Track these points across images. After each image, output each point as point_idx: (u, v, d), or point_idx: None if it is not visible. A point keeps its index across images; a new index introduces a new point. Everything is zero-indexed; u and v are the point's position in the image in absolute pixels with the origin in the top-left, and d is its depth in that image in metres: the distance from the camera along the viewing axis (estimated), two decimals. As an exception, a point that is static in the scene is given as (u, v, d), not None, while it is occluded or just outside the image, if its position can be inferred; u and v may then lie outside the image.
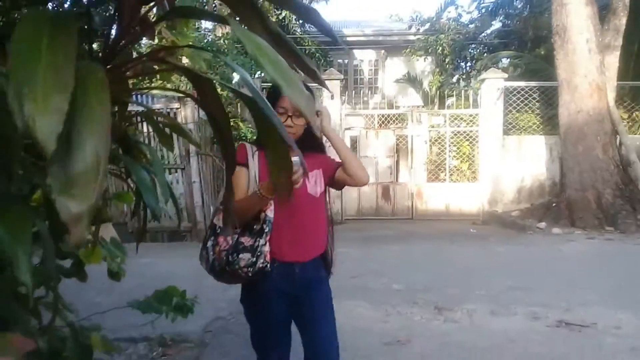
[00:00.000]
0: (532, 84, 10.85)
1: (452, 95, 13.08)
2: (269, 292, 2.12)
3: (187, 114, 8.32)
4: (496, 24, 16.83)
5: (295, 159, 1.57)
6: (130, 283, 2.39)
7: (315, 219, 2.18)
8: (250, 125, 10.06)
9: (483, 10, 16.22)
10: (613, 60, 8.98)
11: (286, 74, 0.95)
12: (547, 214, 9.09)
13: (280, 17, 14.32)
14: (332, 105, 11.03)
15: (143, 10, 1.00)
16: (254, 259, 1.99)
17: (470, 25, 16.42)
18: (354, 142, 11.62)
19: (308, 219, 2.14)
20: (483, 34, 16.93)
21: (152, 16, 1.12)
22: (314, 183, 2.16)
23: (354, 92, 16.72)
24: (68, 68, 0.67)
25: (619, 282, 5.28)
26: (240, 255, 1.99)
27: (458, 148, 12.12)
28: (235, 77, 8.72)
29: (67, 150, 0.64)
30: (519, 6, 15.81)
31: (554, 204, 9.19)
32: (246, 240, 2.02)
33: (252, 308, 2.22)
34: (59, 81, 0.65)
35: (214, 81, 1.05)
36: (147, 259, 6.03)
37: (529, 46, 14.74)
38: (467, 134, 11.68)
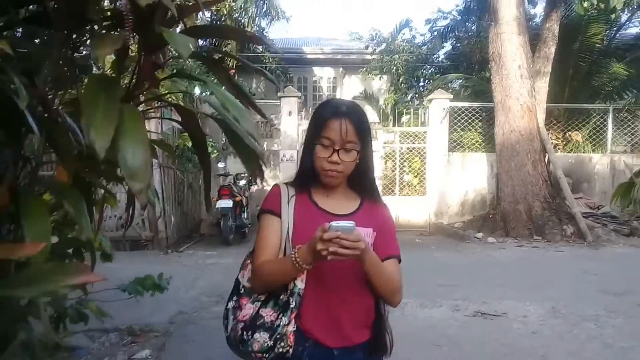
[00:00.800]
0: (475, 104, 11.77)
1: (407, 113, 13.96)
2: None
3: (151, 128, 8.80)
4: (447, 47, 17.91)
5: (346, 224, 1.40)
6: (100, 284, 2.84)
7: (361, 292, 1.67)
8: (210, 139, 10.62)
9: (435, 33, 17.25)
10: (543, 85, 9.95)
11: (244, 115, 1.59)
12: (485, 224, 9.94)
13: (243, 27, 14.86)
14: (290, 121, 11.67)
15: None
16: (272, 342, 1.55)
17: (423, 47, 17.41)
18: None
19: (353, 292, 1.65)
20: (435, 56, 17.97)
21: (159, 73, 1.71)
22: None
23: (311, 108, 17.42)
24: (114, 110, 1.27)
25: (534, 281, 6.06)
26: (256, 335, 1.57)
27: (410, 164, 12.94)
28: (197, 91, 9.16)
29: (115, 156, 1.24)
30: (468, 30, 16.89)
31: (490, 216, 10.06)
32: (267, 314, 1.59)
33: None
34: (108, 118, 1.24)
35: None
36: (114, 264, 6.47)
37: (476, 68, 15.77)
38: (418, 150, 12.50)
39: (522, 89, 9.32)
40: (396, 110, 14.84)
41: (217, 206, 8.84)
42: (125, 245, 8.88)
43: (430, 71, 17.32)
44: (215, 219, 10.11)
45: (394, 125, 14.24)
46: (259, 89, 18.93)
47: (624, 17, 13.07)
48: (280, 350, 1.56)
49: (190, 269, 6.85)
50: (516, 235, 9.09)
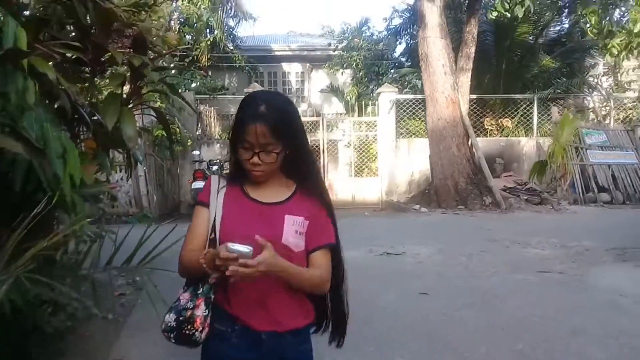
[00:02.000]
0: (418, 96, 13.41)
1: (372, 104, 15.54)
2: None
3: (138, 121, 10.30)
4: (403, 44, 19.56)
5: (243, 249, 1.42)
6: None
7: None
8: (186, 131, 12.20)
9: (391, 31, 18.87)
10: (465, 79, 11.60)
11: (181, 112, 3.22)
12: (423, 199, 11.62)
13: (213, 39, 16.30)
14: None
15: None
16: (175, 323, 1.62)
17: (379, 44, 19.03)
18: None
19: (279, 282, 1.61)
20: (394, 52, 19.63)
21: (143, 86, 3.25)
22: (295, 232, 1.65)
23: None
24: (117, 109, 2.83)
25: (436, 234, 7.75)
26: (166, 316, 1.64)
27: (367, 149, 14.58)
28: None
29: (120, 133, 2.80)
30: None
31: (427, 191, 11.75)
32: (184, 298, 1.66)
33: None
34: (115, 112, 2.80)
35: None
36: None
37: (424, 63, 17.42)
38: (374, 137, 14.14)
39: (445, 84, 10.98)
40: (362, 102, 16.42)
41: (192, 187, 10.39)
42: (116, 219, 10.39)
43: (386, 66, 18.92)
44: (192, 200, 11.65)
45: (359, 115, 15.88)
46: (231, 84, 20.36)
47: (548, 18, 14.80)
48: (187, 332, 1.60)
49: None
50: (446, 206, 10.75)
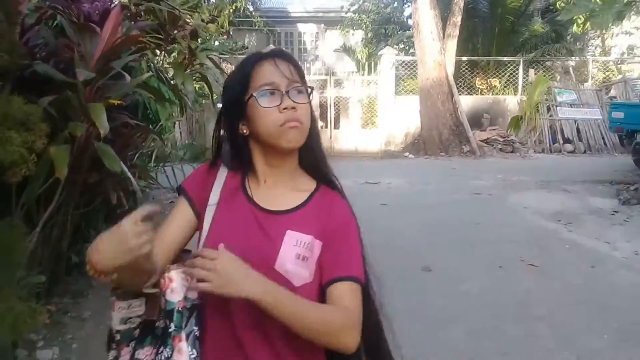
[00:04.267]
0: (413, 58, 15.16)
1: (377, 64, 17.26)
2: None
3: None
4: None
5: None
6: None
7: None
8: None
9: (398, -5, 20.42)
10: (452, 44, 13.31)
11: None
12: (414, 148, 13.59)
13: (235, 6, 18.06)
14: (272, 72, 15.12)
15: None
16: None
17: (388, 8, 20.63)
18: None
19: (271, 324, 1.05)
20: (401, 15, 21.19)
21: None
22: (296, 257, 1.10)
23: (299, 61, 20.75)
24: (182, 73, 4.85)
25: (411, 172, 9.79)
26: None
27: (371, 105, 16.47)
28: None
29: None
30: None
31: (416, 141, 13.71)
32: (145, 355, 1.07)
33: None
34: (181, 76, 4.81)
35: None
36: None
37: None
38: (376, 95, 16.01)
39: (433, 48, 12.77)
40: (372, 62, 18.17)
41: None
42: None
43: (393, 29, 20.52)
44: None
45: (368, 74, 17.71)
46: (250, 43, 22.16)
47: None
48: None
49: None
50: (431, 153, 12.71)
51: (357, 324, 1.07)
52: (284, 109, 1.10)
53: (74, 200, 3.04)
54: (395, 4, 20.33)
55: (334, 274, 1.09)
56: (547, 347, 3.25)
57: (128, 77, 2.81)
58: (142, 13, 4.90)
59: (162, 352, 1.05)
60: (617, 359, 3.15)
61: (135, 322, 1.08)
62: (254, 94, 1.11)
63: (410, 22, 21.19)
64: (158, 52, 5.23)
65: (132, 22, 3.39)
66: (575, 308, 3.80)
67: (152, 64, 4.61)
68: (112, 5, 2.93)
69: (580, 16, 11.25)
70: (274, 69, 1.12)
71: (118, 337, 1.08)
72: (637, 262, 4.76)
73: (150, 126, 4.63)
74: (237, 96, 1.14)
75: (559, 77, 14.94)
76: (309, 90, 1.16)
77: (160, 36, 4.75)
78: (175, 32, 5.05)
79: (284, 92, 1.11)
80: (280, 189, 1.17)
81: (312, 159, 1.20)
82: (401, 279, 4.26)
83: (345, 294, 1.08)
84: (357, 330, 1.06)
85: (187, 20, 5.08)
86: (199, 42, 5.51)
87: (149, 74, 3.41)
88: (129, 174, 2.42)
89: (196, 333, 1.06)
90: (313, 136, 1.18)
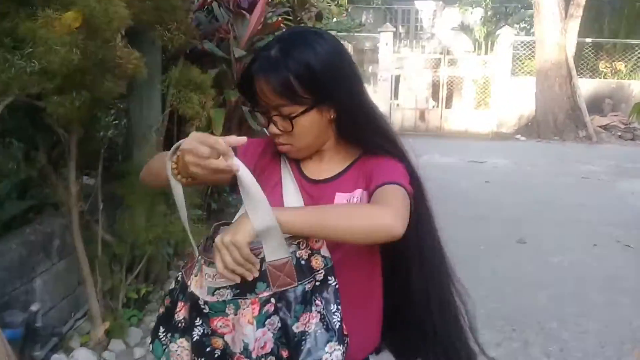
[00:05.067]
0: (532, 38, 14.77)
1: (495, 43, 17.02)
2: None
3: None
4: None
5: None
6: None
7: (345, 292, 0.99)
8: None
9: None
10: (574, 25, 12.80)
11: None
12: (526, 130, 13.41)
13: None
14: (387, 50, 15.47)
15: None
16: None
17: (510, -14, 20.05)
18: (398, 80, 16.10)
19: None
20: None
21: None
22: None
23: (414, 40, 20.95)
24: None
25: (520, 154, 9.83)
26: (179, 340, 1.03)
27: (485, 85, 16.31)
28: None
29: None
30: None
31: (529, 124, 13.49)
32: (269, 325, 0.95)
33: None
34: None
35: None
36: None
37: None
38: (492, 75, 15.84)
39: (554, 29, 12.42)
40: (490, 41, 17.91)
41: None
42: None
43: (514, 7, 19.94)
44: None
45: (485, 53, 17.51)
46: (367, 21, 22.54)
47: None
48: None
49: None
50: (544, 137, 12.49)
51: (399, 212, 0.96)
52: (271, 133, 1.11)
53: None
54: (519, -19, 19.67)
55: (376, 183, 1.05)
56: (627, 314, 3.51)
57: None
58: (276, -3, 5.58)
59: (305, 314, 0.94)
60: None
61: (224, 295, 0.95)
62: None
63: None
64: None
65: (273, 10, 3.98)
66: (662, 286, 3.98)
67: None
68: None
69: None
70: (259, 91, 1.06)
71: (207, 309, 0.95)
72: None
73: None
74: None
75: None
76: (295, 111, 1.04)
77: (290, 18, 5.39)
78: (303, 14, 5.67)
79: (268, 118, 1.08)
80: (324, 162, 1.16)
81: (352, 132, 1.13)
82: (497, 248, 4.66)
83: (386, 192, 1.02)
84: (401, 218, 0.95)
85: (313, 3, 5.67)
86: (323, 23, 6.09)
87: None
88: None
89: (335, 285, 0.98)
90: (347, 124, 1.11)
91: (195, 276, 1.00)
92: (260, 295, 0.93)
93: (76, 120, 2.10)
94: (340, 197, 1.09)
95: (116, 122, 3.12)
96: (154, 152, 3.09)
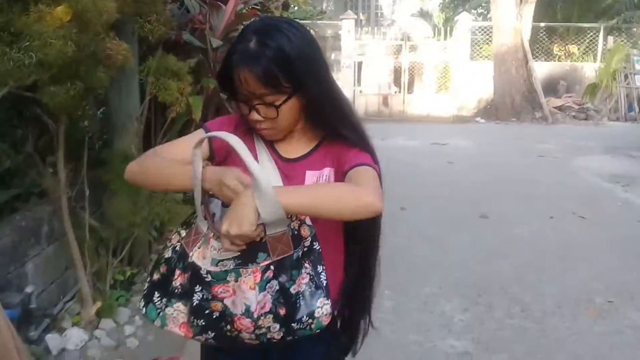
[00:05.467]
0: (489, 23, 15.20)
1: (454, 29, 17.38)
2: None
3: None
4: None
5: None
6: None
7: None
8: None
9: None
10: (529, 10, 13.28)
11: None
12: (485, 113, 13.87)
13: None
14: (349, 37, 15.65)
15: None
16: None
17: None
18: (360, 66, 16.33)
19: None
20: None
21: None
22: None
23: (375, 27, 21.21)
24: None
25: (480, 135, 10.21)
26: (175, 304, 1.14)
27: (445, 70, 16.69)
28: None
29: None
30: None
31: (489, 107, 13.96)
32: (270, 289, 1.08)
33: None
34: None
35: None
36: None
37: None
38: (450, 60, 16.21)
39: (510, 14, 12.89)
40: (449, 27, 18.25)
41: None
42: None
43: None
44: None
45: (445, 39, 17.86)
46: (329, 8, 22.63)
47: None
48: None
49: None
50: (503, 119, 12.98)
51: (377, 190, 1.07)
52: (251, 120, 1.18)
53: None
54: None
55: (350, 165, 1.16)
56: (581, 278, 3.82)
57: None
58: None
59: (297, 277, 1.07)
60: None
61: (227, 265, 1.08)
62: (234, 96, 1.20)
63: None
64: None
65: (245, 1, 4.10)
66: (612, 252, 4.32)
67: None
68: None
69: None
70: (243, 81, 1.12)
71: (209, 278, 1.08)
72: (684, 219, 5.15)
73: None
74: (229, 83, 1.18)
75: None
76: (279, 99, 1.13)
77: (259, 7, 5.51)
78: (270, 3, 5.79)
79: (250, 106, 1.15)
80: (294, 142, 1.25)
81: (321, 116, 1.21)
82: (461, 223, 4.94)
83: (361, 173, 1.13)
84: (379, 196, 1.06)
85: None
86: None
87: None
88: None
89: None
90: (316, 109, 1.19)
91: (199, 248, 1.12)
92: (261, 264, 1.06)
93: (70, 108, 2.22)
94: (310, 175, 1.21)
95: (93, 111, 3.22)
96: (134, 140, 3.23)
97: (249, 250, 1.05)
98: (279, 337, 1.07)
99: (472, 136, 10.15)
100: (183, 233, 1.18)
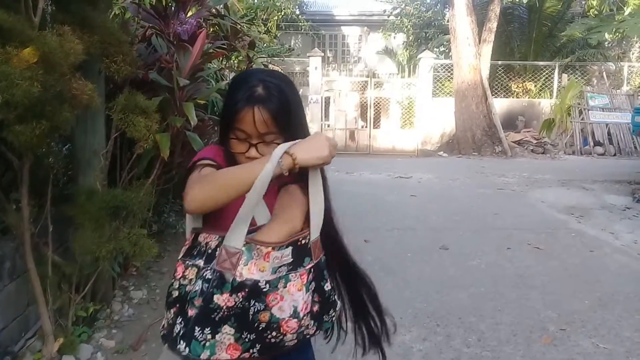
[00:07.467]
0: (450, 62, 15.76)
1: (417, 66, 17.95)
2: None
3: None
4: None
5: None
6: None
7: None
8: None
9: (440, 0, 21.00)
10: (487, 49, 13.90)
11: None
12: (448, 147, 14.29)
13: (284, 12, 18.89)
14: (316, 74, 15.99)
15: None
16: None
17: (429, 12, 21.23)
18: (328, 101, 16.67)
19: None
20: (441, 20, 21.72)
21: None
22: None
23: (342, 63, 21.71)
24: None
25: (442, 169, 10.49)
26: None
27: (409, 106, 17.14)
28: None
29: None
30: None
31: (451, 141, 14.39)
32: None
33: None
34: None
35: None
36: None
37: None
38: (415, 96, 16.69)
39: (469, 53, 13.44)
40: (412, 64, 18.84)
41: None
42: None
43: (434, 32, 21.10)
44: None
45: (409, 76, 18.40)
46: (296, 45, 23.09)
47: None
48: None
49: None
50: (464, 153, 13.40)
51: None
52: (248, 157, 1.27)
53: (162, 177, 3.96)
54: (437, 8, 20.90)
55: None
56: (535, 307, 3.96)
57: (213, 83, 3.70)
58: (210, 27, 5.83)
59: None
60: (592, 318, 3.83)
61: (282, 272, 1.21)
62: (230, 134, 1.30)
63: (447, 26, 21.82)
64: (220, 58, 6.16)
65: (211, 42, 4.24)
66: (566, 281, 4.50)
67: (216, 72, 5.51)
68: (199, 29, 3.79)
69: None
70: (250, 120, 1.23)
71: (267, 287, 1.17)
72: (632, 249, 5.39)
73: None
74: (225, 120, 1.32)
75: (595, 82, 15.33)
76: (279, 139, 1.27)
77: (225, 47, 5.66)
78: (237, 42, 5.95)
79: (250, 144, 1.27)
80: None
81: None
82: (421, 254, 5.07)
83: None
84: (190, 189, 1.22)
85: (246, 32, 5.98)
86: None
87: (225, 82, 4.26)
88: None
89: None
90: (296, 136, 1.27)
91: (246, 265, 1.17)
92: (307, 267, 1.24)
93: (35, 146, 2.28)
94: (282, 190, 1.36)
95: (58, 148, 3.27)
96: (99, 176, 3.28)
97: (297, 257, 1.22)
98: (313, 331, 1.27)
99: (435, 169, 10.41)
100: (200, 263, 1.23)
